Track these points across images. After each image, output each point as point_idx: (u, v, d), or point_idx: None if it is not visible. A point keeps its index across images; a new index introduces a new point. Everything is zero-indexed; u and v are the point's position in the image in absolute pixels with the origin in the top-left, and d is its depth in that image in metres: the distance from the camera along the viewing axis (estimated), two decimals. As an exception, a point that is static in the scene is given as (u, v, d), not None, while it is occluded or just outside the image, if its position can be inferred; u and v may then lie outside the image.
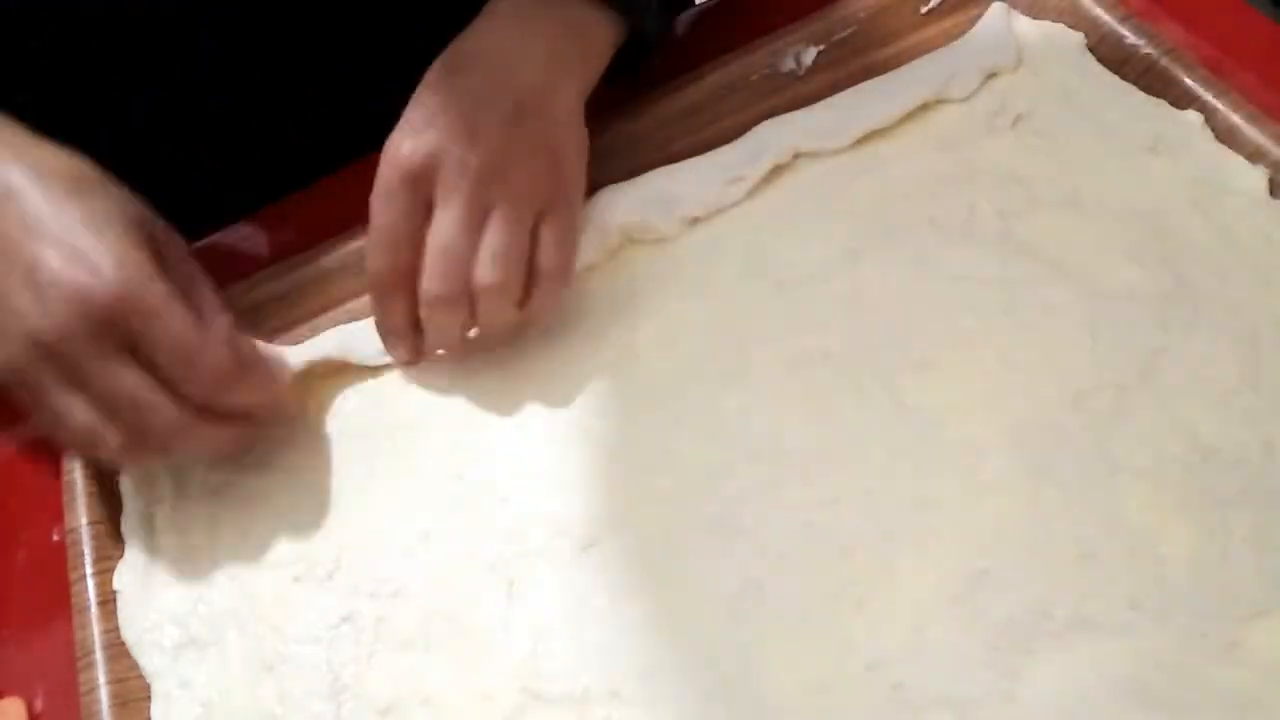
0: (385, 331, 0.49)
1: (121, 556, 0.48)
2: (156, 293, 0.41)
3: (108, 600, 0.47)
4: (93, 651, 0.45)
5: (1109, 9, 0.55)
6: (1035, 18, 0.58)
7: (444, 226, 0.45)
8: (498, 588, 0.44)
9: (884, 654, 0.40)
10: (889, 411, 0.45)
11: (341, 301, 0.55)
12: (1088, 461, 0.43)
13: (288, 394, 0.49)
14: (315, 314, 0.55)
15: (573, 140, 0.50)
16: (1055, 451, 0.43)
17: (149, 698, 0.45)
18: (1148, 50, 0.54)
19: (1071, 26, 0.56)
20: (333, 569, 0.46)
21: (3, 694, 0.46)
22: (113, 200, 0.43)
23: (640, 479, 0.46)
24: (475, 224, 0.46)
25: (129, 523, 0.49)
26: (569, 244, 0.49)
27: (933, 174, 0.52)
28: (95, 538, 0.48)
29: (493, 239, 0.46)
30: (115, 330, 0.41)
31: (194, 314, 0.43)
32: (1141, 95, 0.53)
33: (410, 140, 0.46)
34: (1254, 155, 0.50)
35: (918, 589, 0.41)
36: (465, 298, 0.46)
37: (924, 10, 0.59)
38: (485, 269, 0.45)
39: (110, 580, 0.47)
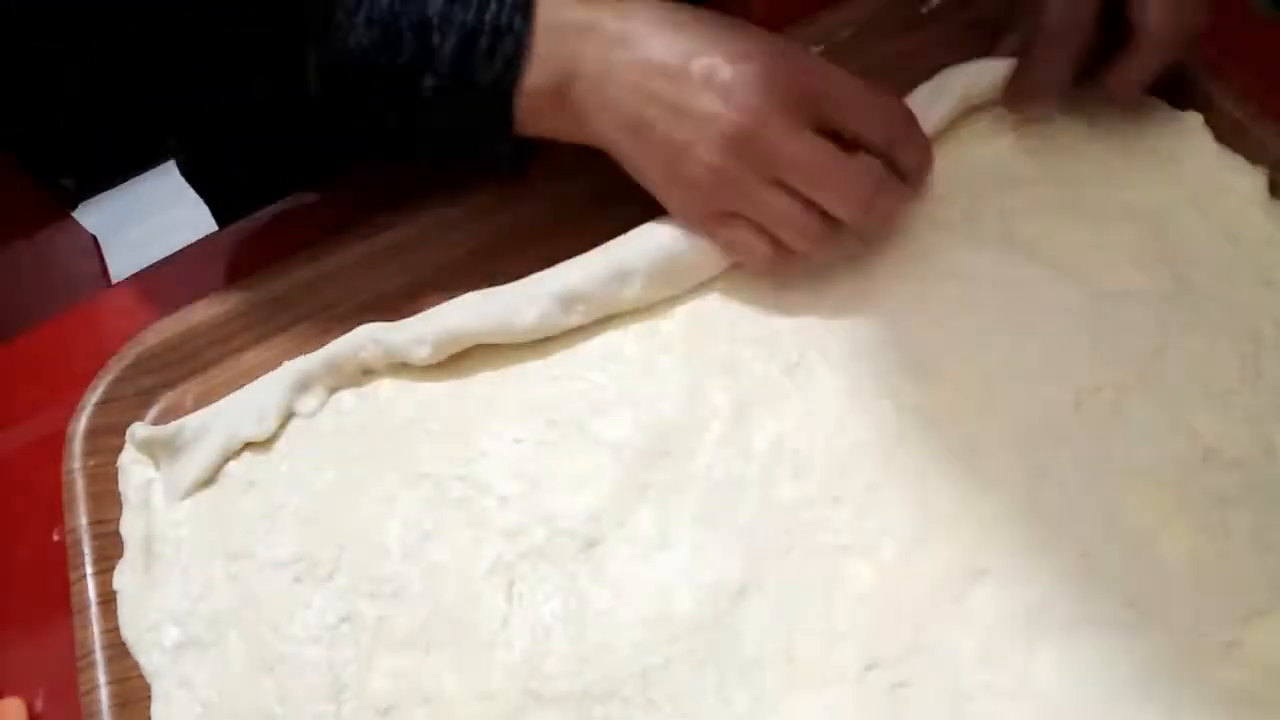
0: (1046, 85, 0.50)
1: (121, 556, 0.48)
2: (820, 62, 0.46)
3: (108, 600, 0.47)
4: (93, 651, 0.45)
5: (1110, 9, 0.55)
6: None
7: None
8: (498, 588, 0.44)
9: (883, 653, 0.40)
10: (888, 411, 0.45)
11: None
12: (1088, 461, 0.43)
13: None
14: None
15: None
16: (1055, 451, 0.43)
17: (149, 698, 0.45)
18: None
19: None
20: (333, 569, 0.46)
21: (3, 694, 0.46)
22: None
23: (638, 477, 0.46)
24: None
25: (129, 523, 0.49)
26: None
27: (934, 175, 0.52)
28: (95, 538, 0.48)
29: None
30: (802, 105, 0.44)
31: None
32: (1141, 95, 0.53)
33: None
34: (1254, 155, 0.50)
35: (916, 586, 0.41)
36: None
37: (925, 10, 0.59)
38: None
39: (110, 580, 0.47)
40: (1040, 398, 0.45)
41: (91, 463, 0.50)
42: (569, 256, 0.50)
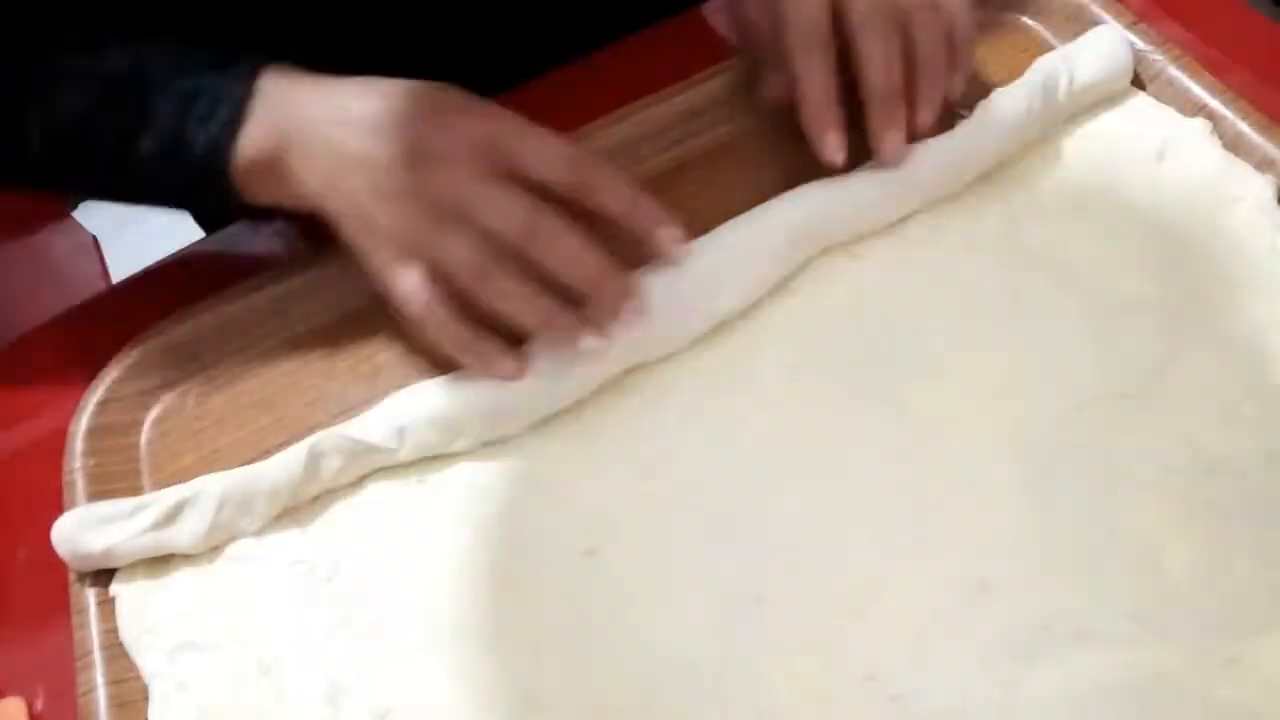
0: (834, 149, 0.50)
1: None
2: (517, 120, 0.46)
3: (107, 600, 0.46)
4: (91, 652, 0.45)
5: (1117, 15, 0.55)
6: (1043, 24, 0.58)
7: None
8: (496, 593, 0.44)
9: (883, 664, 0.40)
10: (890, 419, 0.45)
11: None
12: (1090, 472, 0.43)
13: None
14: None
15: None
16: (1058, 462, 0.43)
17: (147, 699, 0.44)
18: (1155, 57, 0.54)
19: (1078, 32, 0.56)
20: (331, 573, 0.46)
21: (3, 694, 0.46)
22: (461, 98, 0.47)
23: (640, 485, 0.45)
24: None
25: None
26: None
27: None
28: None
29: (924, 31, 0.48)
30: (484, 152, 0.44)
31: None
32: (1149, 102, 0.53)
33: None
34: (1262, 164, 0.50)
35: (918, 599, 0.41)
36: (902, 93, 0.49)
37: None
38: (927, 50, 0.48)
39: (110, 580, 0.47)
40: (1043, 407, 0.45)
41: (91, 462, 0.49)
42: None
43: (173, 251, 0.61)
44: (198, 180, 0.48)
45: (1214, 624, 0.39)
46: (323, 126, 0.46)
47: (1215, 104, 0.52)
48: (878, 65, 0.48)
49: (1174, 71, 0.53)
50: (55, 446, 0.50)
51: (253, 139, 0.47)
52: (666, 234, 0.47)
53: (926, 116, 0.50)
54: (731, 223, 0.50)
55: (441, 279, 0.45)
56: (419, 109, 0.45)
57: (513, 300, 0.45)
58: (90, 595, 0.46)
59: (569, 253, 0.45)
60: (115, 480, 0.50)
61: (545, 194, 0.45)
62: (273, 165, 0.47)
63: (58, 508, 0.49)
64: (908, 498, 0.43)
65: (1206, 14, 0.57)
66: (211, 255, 0.60)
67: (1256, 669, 0.38)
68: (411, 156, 0.44)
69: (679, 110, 0.57)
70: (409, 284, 0.45)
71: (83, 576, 0.47)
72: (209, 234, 0.70)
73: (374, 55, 0.61)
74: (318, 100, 0.47)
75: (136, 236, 0.74)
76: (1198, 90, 0.52)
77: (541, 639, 0.43)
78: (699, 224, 0.51)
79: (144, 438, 0.51)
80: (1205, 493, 0.42)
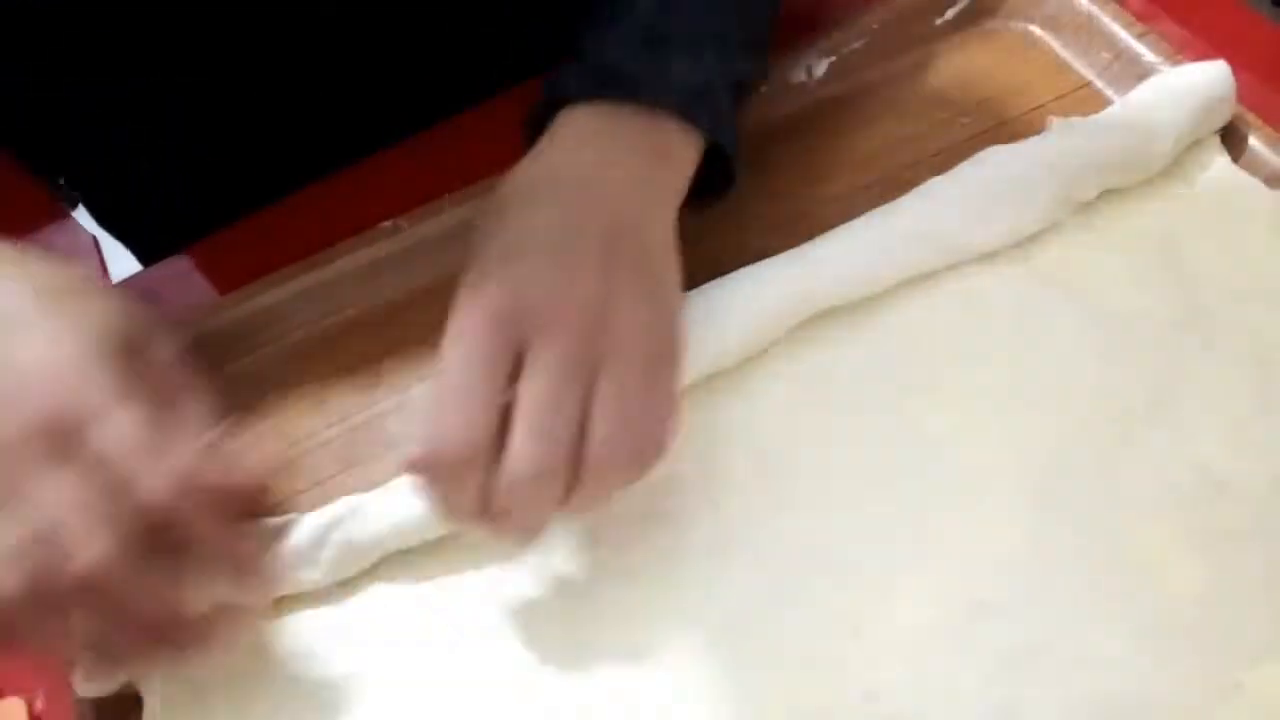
0: (455, 516, 0.39)
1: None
2: (102, 390, 0.34)
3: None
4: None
5: (1125, 26, 0.55)
6: (1052, 35, 0.57)
7: (541, 387, 0.37)
8: (490, 607, 0.43)
9: (882, 684, 0.39)
10: (892, 435, 0.45)
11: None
12: (1093, 490, 0.42)
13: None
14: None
15: (672, 274, 0.43)
16: (1061, 480, 0.43)
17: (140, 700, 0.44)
18: (1165, 69, 0.53)
19: (1088, 44, 0.56)
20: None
21: (3, 694, 0.45)
22: (88, 312, 0.37)
23: (639, 499, 0.44)
24: (580, 384, 0.37)
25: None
26: (676, 403, 0.41)
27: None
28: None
29: (607, 405, 0.37)
30: (54, 438, 0.33)
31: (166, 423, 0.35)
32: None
33: (495, 277, 0.38)
34: (1270, 179, 0.49)
35: (917, 618, 0.40)
36: (562, 475, 0.37)
37: (938, 22, 0.58)
38: (603, 443, 0.37)
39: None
40: (1047, 423, 0.44)
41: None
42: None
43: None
44: None
45: (1217, 649, 0.38)
46: None
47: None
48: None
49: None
50: None
51: None
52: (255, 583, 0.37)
53: None
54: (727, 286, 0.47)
55: None
56: None
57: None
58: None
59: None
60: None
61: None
62: None
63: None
64: (907, 515, 0.43)
65: (1206, 14, 0.56)
66: (210, 255, 0.59)
67: (1261, 696, 0.37)
68: None
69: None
70: None
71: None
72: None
73: (374, 55, 0.62)
74: None
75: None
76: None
77: (535, 660, 0.42)
78: (698, 238, 0.51)
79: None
80: (1211, 514, 0.41)
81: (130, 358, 0.37)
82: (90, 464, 0.33)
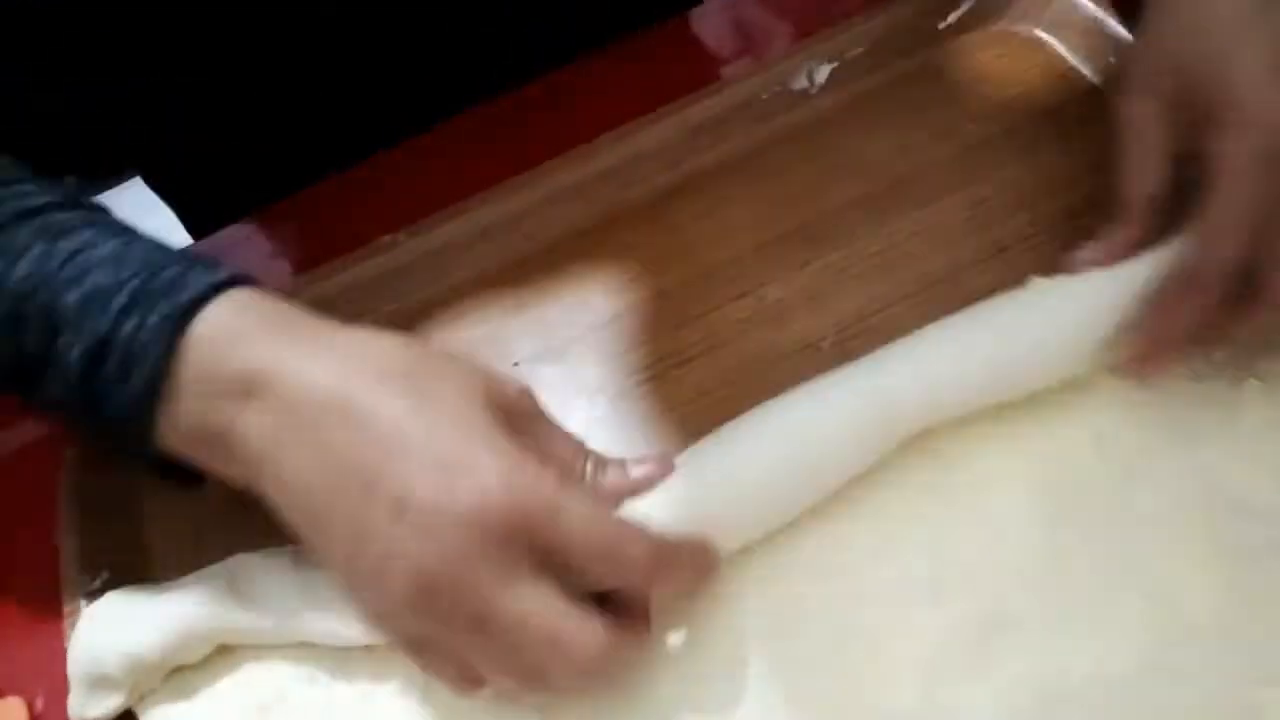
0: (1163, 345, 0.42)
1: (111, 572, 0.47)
2: (549, 486, 0.34)
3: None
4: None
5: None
6: (1058, 38, 0.56)
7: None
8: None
9: (897, 707, 0.39)
10: (908, 454, 0.44)
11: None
12: (1108, 508, 0.42)
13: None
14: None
15: None
16: (1074, 497, 0.42)
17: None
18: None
19: (1096, 47, 0.55)
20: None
21: (3, 694, 0.46)
22: (453, 380, 0.36)
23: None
24: None
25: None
26: None
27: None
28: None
29: None
30: (516, 544, 0.34)
31: (580, 480, 0.37)
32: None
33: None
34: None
35: (932, 640, 0.40)
36: None
37: (941, 26, 0.58)
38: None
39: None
40: (1060, 437, 0.44)
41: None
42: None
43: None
44: (119, 442, 0.39)
45: (1235, 670, 0.38)
46: (291, 449, 0.36)
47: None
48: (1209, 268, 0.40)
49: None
50: (56, 446, 0.50)
51: (181, 410, 0.37)
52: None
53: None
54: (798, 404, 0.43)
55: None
56: (422, 479, 0.34)
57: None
58: (81, 606, 0.47)
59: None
60: (113, 514, 0.49)
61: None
62: (217, 451, 0.37)
63: (56, 507, 0.49)
64: (920, 533, 0.42)
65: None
66: (211, 254, 0.59)
67: (1277, 720, 0.37)
68: (416, 543, 0.34)
69: (683, 128, 0.56)
70: (436, 667, 0.38)
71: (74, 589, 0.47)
72: (195, 238, 0.70)
73: (374, 55, 0.62)
74: (279, 403, 0.36)
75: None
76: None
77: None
78: (700, 247, 0.52)
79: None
80: (1227, 531, 0.41)
81: (511, 420, 0.37)
82: (563, 563, 0.35)
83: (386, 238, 0.54)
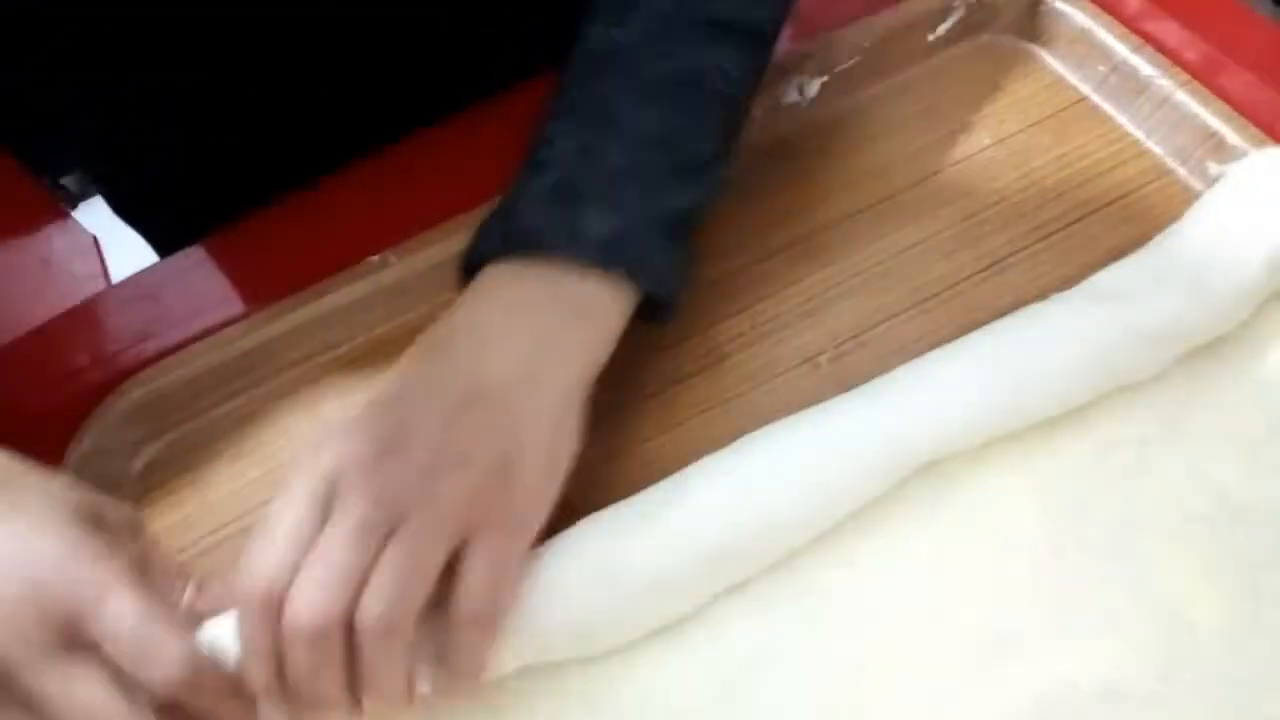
0: (251, 672, 0.37)
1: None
2: (102, 576, 0.35)
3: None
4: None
5: (1121, 39, 0.54)
6: (1046, 49, 0.56)
7: (328, 539, 0.35)
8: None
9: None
10: (903, 467, 0.43)
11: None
12: (1111, 520, 0.42)
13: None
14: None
15: (541, 444, 0.39)
16: (1078, 510, 0.42)
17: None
18: (1163, 82, 0.52)
19: (1085, 57, 0.55)
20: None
21: None
22: (44, 492, 0.38)
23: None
24: (370, 539, 0.35)
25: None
26: (502, 578, 0.38)
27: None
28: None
29: (388, 559, 0.35)
30: (64, 629, 0.34)
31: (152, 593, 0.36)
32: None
33: (330, 441, 0.37)
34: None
35: (938, 658, 0.40)
36: (338, 639, 0.35)
37: (930, 38, 0.58)
38: (367, 598, 0.35)
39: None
40: (1060, 449, 0.43)
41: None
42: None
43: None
44: None
45: (1246, 680, 0.38)
46: None
47: (1225, 130, 0.50)
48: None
49: (1182, 97, 0.52)
50: (56, 447, 0.49)
51: None
52: None
53: None
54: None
55: None
56: None
57: None
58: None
59: None
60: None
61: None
62: None
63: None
64: (923, 549, 0.42)
65: (1206, 14, 0.55)
66: (210, 256, 0.59)
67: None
68: None
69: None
70: None
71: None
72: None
73: (374, 55, 0.61)
74: None
75: (136, 236, 0.73)
76: (1207, 117, 0.51)
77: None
78: (694, 262, 0.51)
79: (131, 493, 0.50)
80: (1231, 541, 0.40)
81: (96, 525, 0.37)
82: (101, 657, 0.35)
83: (376, 257, 0.53)
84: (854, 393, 0.43)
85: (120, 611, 0.34)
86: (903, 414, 0.41)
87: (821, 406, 0.43)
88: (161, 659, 0.35)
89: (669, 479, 0.42)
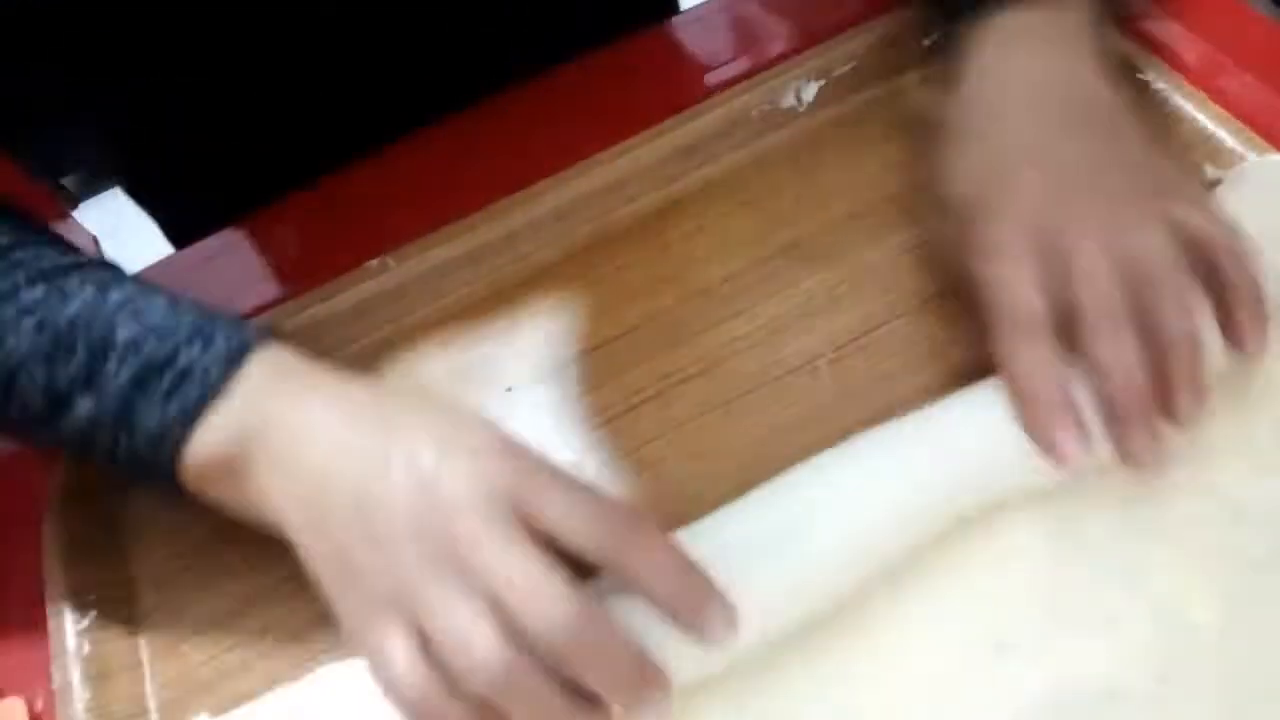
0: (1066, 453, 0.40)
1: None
2: (538, 458, 0.37)
3: (84, 630, 0.46)
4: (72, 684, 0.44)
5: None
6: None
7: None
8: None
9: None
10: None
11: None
12: (1110, 519, 0.41)
13: None
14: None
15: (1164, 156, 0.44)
16: (1076, 510, 0.42)
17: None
18: (1161, 85, 0.53)
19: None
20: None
21: (3, 694, 0.45)
22: (454, 410, 0.40)
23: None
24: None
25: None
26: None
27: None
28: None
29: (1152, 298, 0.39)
30: (504, 502, 0.36)
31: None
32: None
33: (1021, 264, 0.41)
34: None
35: (936, 662, 0.40)
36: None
37: (926, 42, 0.57)
38: (1171, 317, 0.39)
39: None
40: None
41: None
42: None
43: (172, 252, 0.60)
44: (136, 463, 0.41)
45: (1247, 684, 0.38)
46: (304, 446, 0.39)
47: (1223, 134, 0.50)
48: (1117, 380, 0.39)
49: (1178, 100, 0.52)
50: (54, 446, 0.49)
51: (214, 433, 0.40)
52: (716, 617, 0.37)
53: (1184, 411, 0.40)
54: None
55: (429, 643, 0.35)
56: (425, 438, 0.37)
57: (523, 705, 0.35)
58: (68, 622, 0.46)
59: (607, 659, 0.35)
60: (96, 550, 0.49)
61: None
62: (232, 467, 0.40)
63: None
64: (922, 551, 0.42)
65: (1206, 14, 0.56)
66: (210, 256, 0.59)
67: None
68: (415, 493, 0.36)
69: (671, 147, 0.55)
70: (390, 650, 0.35)
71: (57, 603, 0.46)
72: (176, 247, 0.70)
73: (374, 55, 0.62)
74: (309, 407, 0.40)
75: (136, 237, 0.74)
76: (1203, 120, 0.51)
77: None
78: (694, 266, 0.51)
79: (132, 493, 0.50)
80: (1231, 542, 0.40)
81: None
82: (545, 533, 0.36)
83: (375, 261, 0.54)
84: (884, 439, 0.42)
85: (560, 484, 0.36)
86: (941, 474, 0.41)
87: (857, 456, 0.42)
88: (611, 517, 0.36)
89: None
